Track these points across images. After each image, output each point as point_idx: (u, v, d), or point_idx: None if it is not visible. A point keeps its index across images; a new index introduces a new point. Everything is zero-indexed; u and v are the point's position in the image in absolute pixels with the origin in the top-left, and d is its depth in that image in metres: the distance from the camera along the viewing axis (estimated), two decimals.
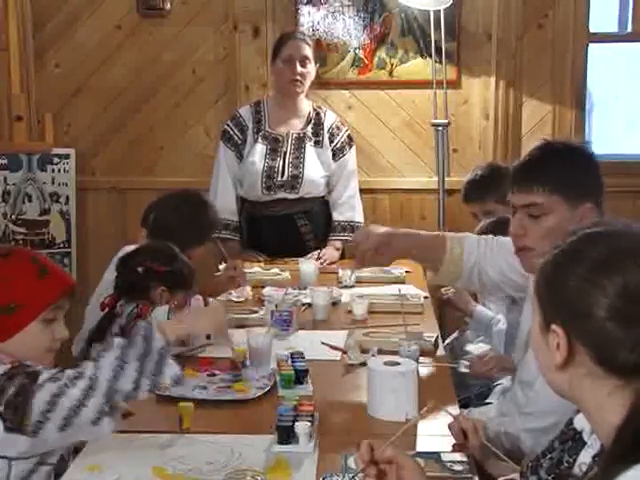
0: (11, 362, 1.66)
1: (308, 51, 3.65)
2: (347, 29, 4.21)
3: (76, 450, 1.79)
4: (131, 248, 2.64)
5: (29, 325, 1.71)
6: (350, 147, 3.80)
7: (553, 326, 1.18)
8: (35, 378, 1.60)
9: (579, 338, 1.15)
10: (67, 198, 4.30)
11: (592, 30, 4.20)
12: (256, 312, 2.81)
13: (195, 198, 3.06)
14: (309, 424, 1.78)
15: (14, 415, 1.55)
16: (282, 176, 3.67)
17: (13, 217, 4.27)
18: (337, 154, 3.75)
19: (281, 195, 3.70)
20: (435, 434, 1.86)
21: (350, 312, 2.84)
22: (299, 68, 3.62)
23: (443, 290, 3.35)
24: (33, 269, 1.74)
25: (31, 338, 1.71)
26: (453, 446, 1.80)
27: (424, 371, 2.23)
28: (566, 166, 2.01)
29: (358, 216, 3.80)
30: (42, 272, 1.74)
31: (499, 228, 2.52)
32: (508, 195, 2.09)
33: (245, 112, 3.77)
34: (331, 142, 3.74)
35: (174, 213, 2.93)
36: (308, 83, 3.68)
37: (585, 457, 1.27)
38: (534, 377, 1.81)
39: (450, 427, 1.82)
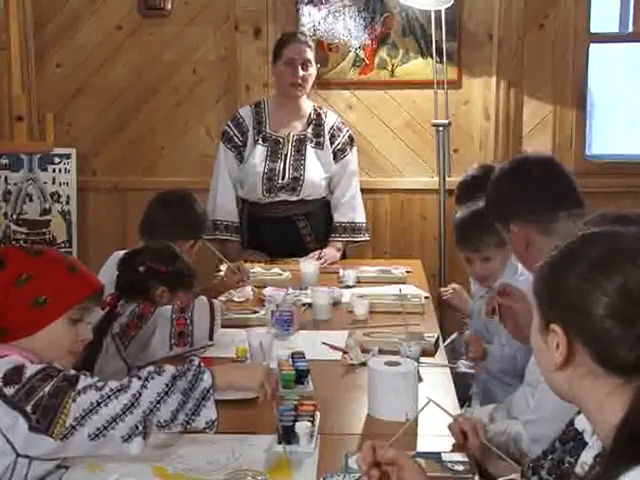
0: (42, 362, 1.66)
1: (310, 54, 3.63)
2: (348, 29, 4.21)
3: None
4: (122, 253, 2.64)
5: (55, 322, 1.71)
6: (351, 147, 3.79)
7: (552, 326, 1.18)
8: (74, 383, 1.60)
9: (579, 337, 1.15)
10: (68, 198, 4.30)
11: (593, 30, 4.20)
12: (257, 312, 2.81)
13: (184, 194, 3.04)
14: (309, 424, 1.78)
15: (43, 417, 1.55)
16: (283, 178, 3.67)
17: (14, 217, 4.27)
18: (338, 155, 3.75)
19: (282, 197, 3.69)
20: (435, 434, 1.86)
21: (351, 312, 2.84)
22: (301, 71, 3.60)
23: (442, 290, 3.36)
24: (64, 267, 1.76)
25: (55, 336, 1.72)
26: (453, 446, 1.80)
27: (424, 371, 2.23)
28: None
29: (359, 217, 3.79)
30: (72, 270, 1.76)
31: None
32: None
33: (245, 113, 3.76)
34: (332, 143, 3.74)
35: (165, 211, 2.92)
36: (310, 85, 3.68)
37: (587, 457, 1.27)
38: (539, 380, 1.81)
39: (450, 428, 1.82)
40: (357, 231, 3.77)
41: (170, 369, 1.66)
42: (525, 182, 2.11)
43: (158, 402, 1.61)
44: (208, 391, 1.66)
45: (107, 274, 2.54)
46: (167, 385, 1.62)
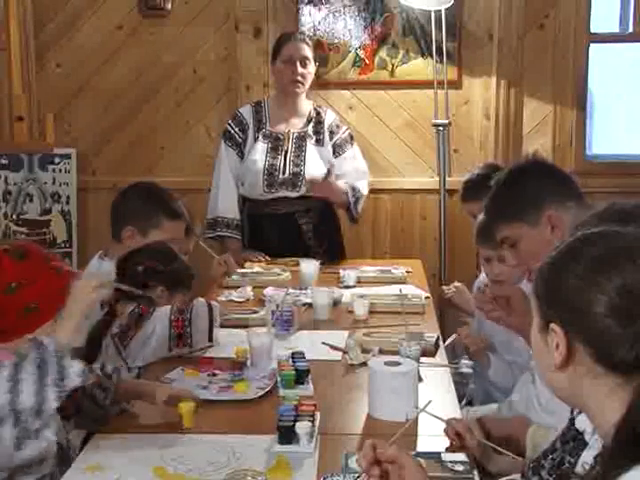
0: None
1: (308, 51, 3.65)
2: (348, 29, 4.22)
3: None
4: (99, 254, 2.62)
5: (45, 324, 1.71)
6: (351, 145, 3.79)
7: (552, 325, 1.18)
8: None
9: (578, 336, 1.15)
10: (68, 198, 4.30)
11: (593, 30, 4.20)
12: (257, 312, 2.81)
13: (144, 183, 2.89)
14: (310, 424, 1.78)
15: None
16: (283, 174, 3.67)
17: (14, 217, 4.27)
18: (337, 150, 3.75)
19: (282, 193, 3.69)
20: (435, 434, 1.86)
21: (351, 312, 2.84)
22: (300, 69, 3.61)
23: (445, 288, 3.35)
24: (49, 270, 1.77)
25: (46, 334, 1.71)
26: (451, 444, 1.79)
27: (424, 371, 2.23)
28: (499, 196, 2.14)
29: (363, 190, 3.74)
30: (57, 272, 1.77)
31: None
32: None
33: (246, 111, 3.77)
34: (331, 139, 3.74)
35: (122, 197, 2.77)
36: (309, 83, 3.69)
37: (587, 457, 1.27)
38: None
39: (445, 432, 1.81)
40: (356, 199, 3.72)
41: (6, 363, 1.57)
42: (548, 171, 2.15)
43: (12, 398, 1.54)
44: (58, 352, 1.58)
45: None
46: (10, 375, 1.55)
